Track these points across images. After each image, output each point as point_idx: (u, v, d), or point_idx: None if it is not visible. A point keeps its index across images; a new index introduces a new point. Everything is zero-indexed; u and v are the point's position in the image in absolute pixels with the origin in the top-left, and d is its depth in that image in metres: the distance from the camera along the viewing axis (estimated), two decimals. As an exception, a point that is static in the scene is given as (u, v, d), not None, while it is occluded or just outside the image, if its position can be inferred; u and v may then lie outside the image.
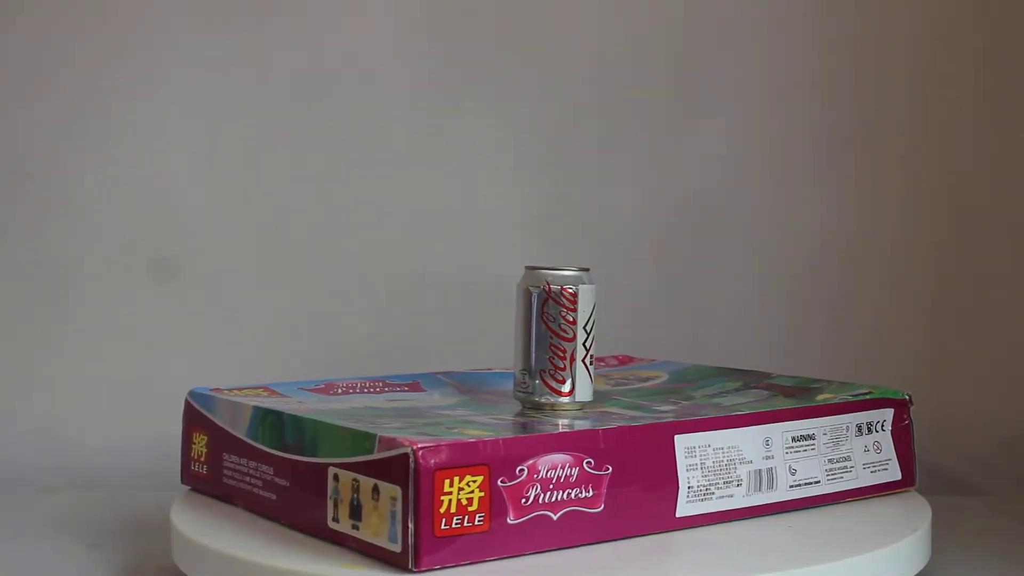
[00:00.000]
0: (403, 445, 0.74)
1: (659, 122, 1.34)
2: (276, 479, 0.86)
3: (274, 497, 0.86)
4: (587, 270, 0.94)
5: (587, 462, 0.80)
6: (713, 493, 0.85)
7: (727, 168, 1.34)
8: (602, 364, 1.15)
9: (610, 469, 0.81)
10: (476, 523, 0.76)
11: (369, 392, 1.00)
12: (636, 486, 0.82)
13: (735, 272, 1.34)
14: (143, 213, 1.30)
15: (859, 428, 0.94)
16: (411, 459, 0.74)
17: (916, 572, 0.85)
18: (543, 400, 0.91)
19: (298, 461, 0.84)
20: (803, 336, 1.32)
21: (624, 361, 1.18)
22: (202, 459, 0.95)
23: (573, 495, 0.79)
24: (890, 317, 1.32)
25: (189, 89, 1.30)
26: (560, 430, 0.82)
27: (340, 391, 1.00)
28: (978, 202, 1.31)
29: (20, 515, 1.13)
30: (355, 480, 0.78)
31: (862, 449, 0.93)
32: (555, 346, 0.92)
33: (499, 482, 0.76)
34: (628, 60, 1.34)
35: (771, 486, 0.88)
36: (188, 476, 0.97)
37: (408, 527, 0.74)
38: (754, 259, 1.33)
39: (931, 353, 1.31)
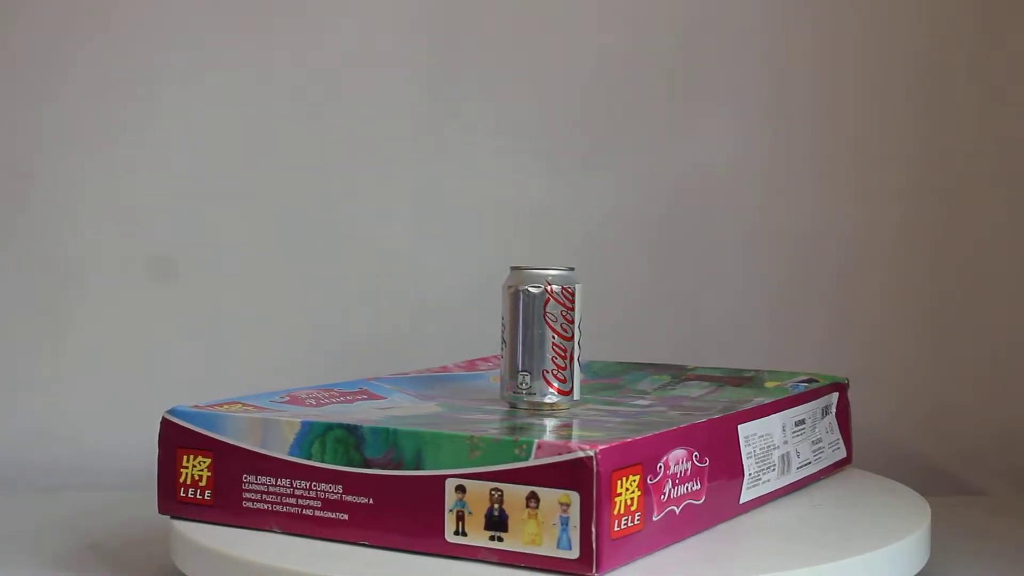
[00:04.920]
0: (583, 449, 0.73)
1: (657, 122, 1.35)
2: (349, 497, 0.80)
3: (346, 517, 0.80)
4: (573, 269, 0.95)
5: (695, 456, 0.82)
6: (759, 478, 0.90)
7: (725, 168, 1.35)
8: (485, 364, 1.15)
9: (708, 462, 0.83)
10: (635, 522, 0.75)
11: (341, 401, 0.94)
12: (723, 476, 0.85)
13: (733, 271, 1.35)
14: (143, 213, 1.31)
15: (822, 412, 1.02)
16: (594, 462, 0.72)
17: (916, 572, 0.85)
18: (545, 399, 0.91)
19: (391, 476, 0.79)
20: (800, 335, 1.34)
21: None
22: (202, 484, 0.86)
23: (688, 489, 0.81)
24: (887, 316, 1.35)
25: (189, 89, 1.31)
26: (674, 426, 0.82)
27: (312, 402, 0.93)
28: (975, 200, 1.33)
29: (20, 515, 1.13)
30: (495, 490, 0.75)
31: (825, 431, 1.01)
32: (557, 346, 0.92)
33: (648, 480, 0.77)
34: (626, 60, 1.35)
35: (789, 469, 0.94)
36: (173, 504, 0.87)
37: (591, 531, 0.72)
38: (751, 258, 1.35)
39: (929, 351, 1.33)
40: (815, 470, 0.98)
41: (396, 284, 1.33)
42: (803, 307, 1.35)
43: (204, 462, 0.86)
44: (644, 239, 1.36)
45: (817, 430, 1.00)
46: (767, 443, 0.91)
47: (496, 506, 0.75)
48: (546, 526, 0.74)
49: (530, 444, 0.74)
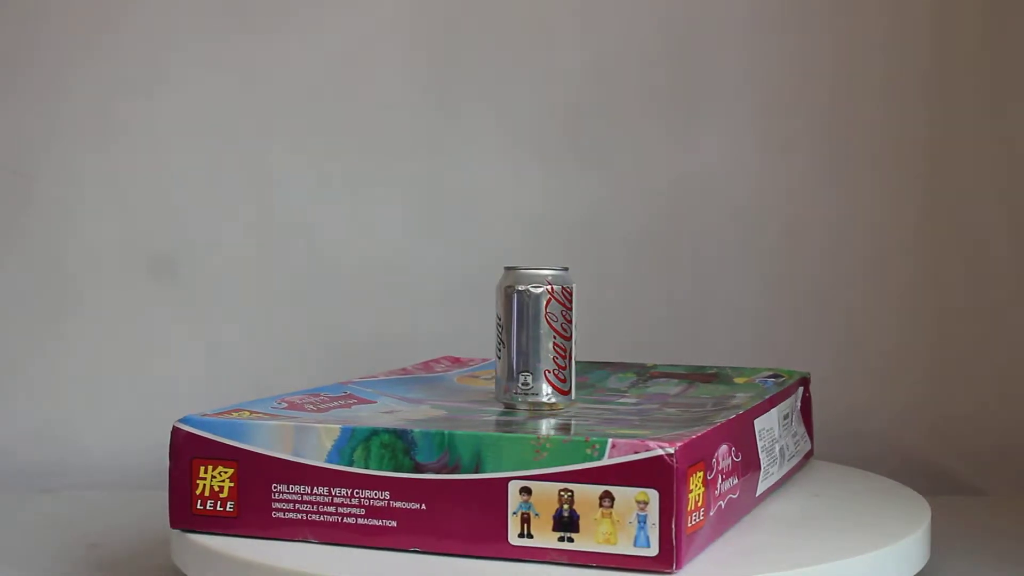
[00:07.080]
0: (662, 447, 0.73)
1: (656, 123, 1.34)
2: (397, 504, 0.78)
3: (395, 524, 0.78)
4: (568, 268, 0.95)
5: (733, 451, 0.83)
6: (769, 472, 0.92)
7: (723, 169, 1.34)
8: (439, 366, 1.14)
9: (740, 457, 0.85)
10: (701, 518, 0.76)
11: (338, 406, 0.92)
12: (748, 471, 0.87)
13: (734, 273, 1.34)
14: (143, 213, 1.31)
15: (793, 406, 1.05)
16: (674, 460, 0.73)
17: (916, 572, 0.86)
18: (545, 399, 0.91)
19: (446, 480, 0.77)
20: (801, 338, 1.33)
21: (455, 361, 1.17)
22: (223, 495, 0.82)
23: (730, 484, 0.82)
24: (889, 318, 1.33)
25: (189, 89, 1.32)
26: (711, 422, 0.83)
27: (311, 407, 0.91)
28: (977, 203, 1.31)
29: (20, 515, 1.14)
30: (564, 491, 0.75)
31: (797, 423, 1.05)
32: (558, 345, 0.93)
33: (707, 476, 0.78)
34: (623, 61, 1.33)
35: (784, 462, 0.97)
36: (188, 518, 0.84)
37: (671, 528, 0.73)
38: (751, 260, 1.34)
39: (930, 354, 1.32)
40: (796, 462, 1.01)
41: (394, 284, 1.33)
42: (801, 307, 1.34)
43: (226, 472, 0.83)
44: (642, 240, 1.36)
45: (793, 424, 1.03)
46: (772, 437, 0.93)
47: (566, 507, 0.75)
48: (622, 525, 0.74)
49: (604, 443, 0.74)
